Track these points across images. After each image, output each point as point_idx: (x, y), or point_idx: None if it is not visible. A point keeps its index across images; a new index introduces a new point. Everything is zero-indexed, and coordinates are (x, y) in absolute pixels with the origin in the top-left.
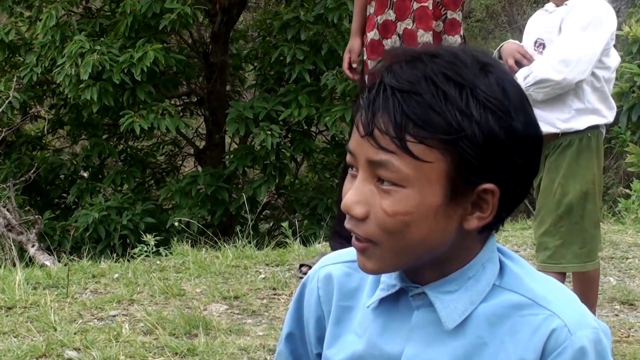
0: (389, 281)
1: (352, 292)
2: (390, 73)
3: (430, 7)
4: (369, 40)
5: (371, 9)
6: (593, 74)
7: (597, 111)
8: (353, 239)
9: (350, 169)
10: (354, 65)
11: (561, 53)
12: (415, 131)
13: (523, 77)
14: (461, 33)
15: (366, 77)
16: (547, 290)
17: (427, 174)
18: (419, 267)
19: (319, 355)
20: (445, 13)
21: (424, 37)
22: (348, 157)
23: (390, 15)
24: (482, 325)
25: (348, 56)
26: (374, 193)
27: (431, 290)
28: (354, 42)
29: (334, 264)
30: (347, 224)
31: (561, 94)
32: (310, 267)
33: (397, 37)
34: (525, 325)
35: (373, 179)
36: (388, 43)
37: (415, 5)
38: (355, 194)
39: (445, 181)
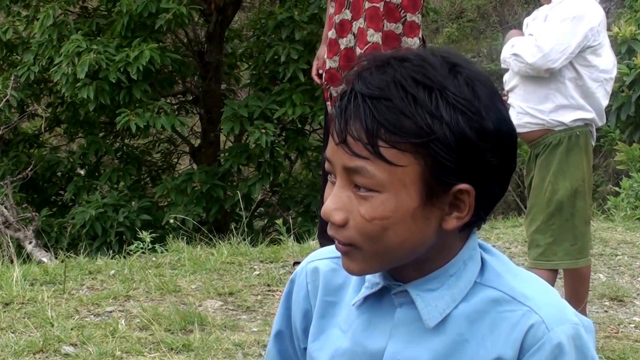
0: (373, 279)
1: (337, 288)
2: (361, 80)
3: (382, 9)
4: (326, 39)
5: (331, 9)
6: (575, 70)
7: (582, 107)
8: (336, 243)
9: (329, 176)
10: (321, 72)
11: (539, 39)
12: (387, 136)
13: (510, 45)
14: (420, 35)
15: (323, 74)
16: (526, 286)
17: (401, 178)
18: (402, 266)
19: (306, 349)
20: (405, 15)
21: (374, 37)
22: (326, 165)
23: (347, 14)
24: (462, 322)
25: (316, 63)
26: (352, 199)
27: (413, 289)
28: (322, 50)
29: (321, 259)
30: (329, 230)
31: (544, 89)
32: None
33: (352, 36)
34: (503, 322)
35: (350, 185)
36: (343, 42)
37: (367, 5)
38: (334, 201)
39: (420, 184)
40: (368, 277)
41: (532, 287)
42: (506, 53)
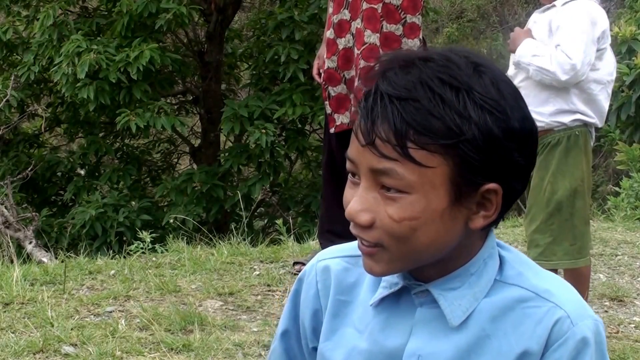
0: (391, 279)
1: (350, 287)
2: (385, 80)
3: (380, 10)
4: (326, 39)
5: (330, 9)
6: None
7: (583, 112)
8: (359, 243)
9: (351, 176)
10: (321, 71)
11: (572, 57)
12: (416, 137)
13: (532, 54)
14: (420, 37)
15: (322, 72)
16: (549, 283)
17: (430, 179)
18: (423, 266)
19: (315, 349)
20: (405, 17)
21: (371, 38)
22: (348, 165)
23: (346, 14)
24: (485, 319)
25: (317, 62)
26: (378, 200)
27: (435, 288)
28: (322, 49)
29: (332, 257)
30: (353, 230)
31: (545, 93)
32: (304, 265)
33: (351, 37)
34: (528, 318)
35: (377, 186)
36: (342, 42)
37: (365, 6)
38: (360, 202)
39: (449, 184)
40: (385, 277)
41: (553, 284)
42: (525, 59)
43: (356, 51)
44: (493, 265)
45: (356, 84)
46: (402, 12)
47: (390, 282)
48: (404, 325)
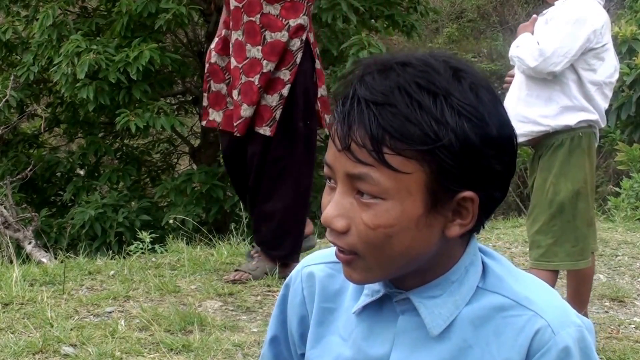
0: (373, 287)
1: (334, 294)
2: (363, 84)
3: (258, 22)
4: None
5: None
6: (576, 72)
7: (585, 108)
8: (336, 251)
9: (328, 180)
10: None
11: (541, 43)
12: (392, 143)
13: (515, 45)
14: (303, 37)
15: (208, 64)
16: (529, 290)
17: (406, 185)
18: (403, 274)
19: (304, 355)
20: (288, 22)
21: (251, 52)
22: (326, 169)
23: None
24: (466, 328)
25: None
26: (354, 206)
27: (415, 296)
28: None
29: (317, 264)
30: (329, 237)
31: (548, 90)
32: None
33: (231, 46)
34: (509, 327)
35: (352, 191)
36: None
37: (245, 19)
38: (335, 207)
39: (425, 191)
40: (368, 284)
41: (534, 291)
42: (512, 52)
43: (235, 63)
44: (475, 273)
45: (233, 94)
46: (283, 19)
47: (372, 290)
48: (387, 334)
